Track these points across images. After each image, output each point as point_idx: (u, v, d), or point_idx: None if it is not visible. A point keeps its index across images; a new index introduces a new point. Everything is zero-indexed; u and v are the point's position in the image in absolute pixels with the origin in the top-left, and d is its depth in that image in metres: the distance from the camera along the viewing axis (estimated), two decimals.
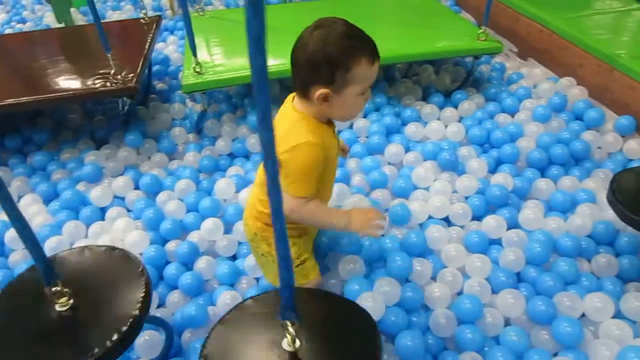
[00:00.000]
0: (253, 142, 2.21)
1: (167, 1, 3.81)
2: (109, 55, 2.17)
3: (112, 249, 1.28)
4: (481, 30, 2.39)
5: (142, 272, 1.20)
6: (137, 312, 1.10)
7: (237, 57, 2.35)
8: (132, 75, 2.15)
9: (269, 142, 0.71)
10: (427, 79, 2.65)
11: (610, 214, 1.48)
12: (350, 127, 2.31)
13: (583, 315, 1.43)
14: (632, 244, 1.62)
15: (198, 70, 2.15)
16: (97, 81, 2.13)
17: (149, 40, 2.49)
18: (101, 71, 2.19)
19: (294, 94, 1.28)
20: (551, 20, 2.63)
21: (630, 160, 2.02)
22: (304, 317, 0.97)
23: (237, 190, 1.96)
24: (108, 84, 2.11)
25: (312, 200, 1.25)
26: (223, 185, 1.95)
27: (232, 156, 2.26)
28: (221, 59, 2.33)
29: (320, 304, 1.14)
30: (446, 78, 2.63)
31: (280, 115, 1.30)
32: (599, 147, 2.09)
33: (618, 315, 1.43)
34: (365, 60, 1.16)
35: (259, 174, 1.43)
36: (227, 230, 1.81)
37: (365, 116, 2.36)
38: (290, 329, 0.95)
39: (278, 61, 2.26)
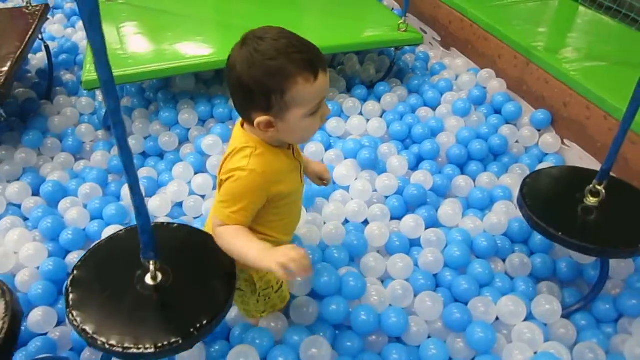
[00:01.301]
0: (166, 140, 2.08)
1: None
2: None
3: None
4: (401, 21, 2.35)
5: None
6: None
7: (150, 48, 2.19)
8: None
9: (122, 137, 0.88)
10: (352, 68, 2.58)
11: None
12: None
13: (497, 318, 1.43)
14: (545, 242, 1.64)
15: None
16: None
17: (30, 34, 2.19)
18: None
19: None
20: (470, 9, 2.60)
21: (546, 154, 2.05)
22: (168, 252, 1.10)
23: (148, 195, 1.83)
24: None
25: (229, 227, 1.10)
26: None
27: (144, 155, 2.11)
28: (131, 50, 2.16)
29: (185, 240, 1.23)
30: (370, 68, 2.57)
31: (232, 136, 1.17)
32: (517, 141, 2.11)
33: (530, 317, 1.44)
34: (302, 79, 0.98)
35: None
36: None
37: None
38: (151, 267, 1.07)
39: (194, 52, 2.14)
